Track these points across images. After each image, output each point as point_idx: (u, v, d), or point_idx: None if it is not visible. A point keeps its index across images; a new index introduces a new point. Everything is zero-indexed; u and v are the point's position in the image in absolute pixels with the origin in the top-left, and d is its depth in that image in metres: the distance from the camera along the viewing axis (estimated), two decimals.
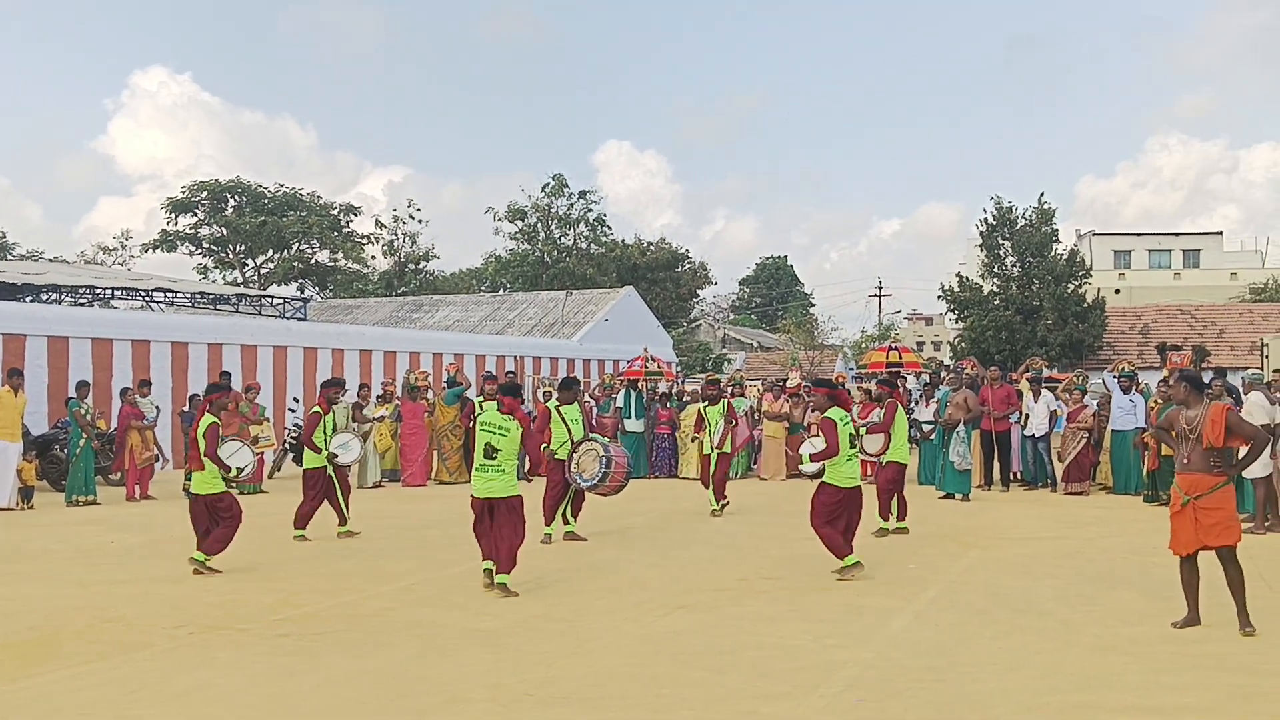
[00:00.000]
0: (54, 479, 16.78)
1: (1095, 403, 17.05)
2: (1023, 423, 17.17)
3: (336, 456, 12.05)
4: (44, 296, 30.27)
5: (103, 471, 16.83)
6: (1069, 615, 8.04)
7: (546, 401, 13.54)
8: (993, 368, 18.98)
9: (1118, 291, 48.89)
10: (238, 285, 51.91)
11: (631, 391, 20.35)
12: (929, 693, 6.02)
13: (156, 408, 17.16)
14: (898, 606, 8.32)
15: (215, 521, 9.92)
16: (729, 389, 20.73)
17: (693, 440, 19.29)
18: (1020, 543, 11.75)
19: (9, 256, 54.71)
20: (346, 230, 58.59)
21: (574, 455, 11.49)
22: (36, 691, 6.10)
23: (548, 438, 11.87)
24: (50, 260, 53.02)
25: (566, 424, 11.81)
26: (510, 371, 26.37)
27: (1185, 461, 7.58)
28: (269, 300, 33.86)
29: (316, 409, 12.08)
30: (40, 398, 18.28)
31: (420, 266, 59.00)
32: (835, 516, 9.63)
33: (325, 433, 12.03)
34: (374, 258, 59.02)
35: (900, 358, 19.24)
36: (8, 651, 6.99)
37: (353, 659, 6.79)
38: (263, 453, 17.40)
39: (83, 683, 6.29)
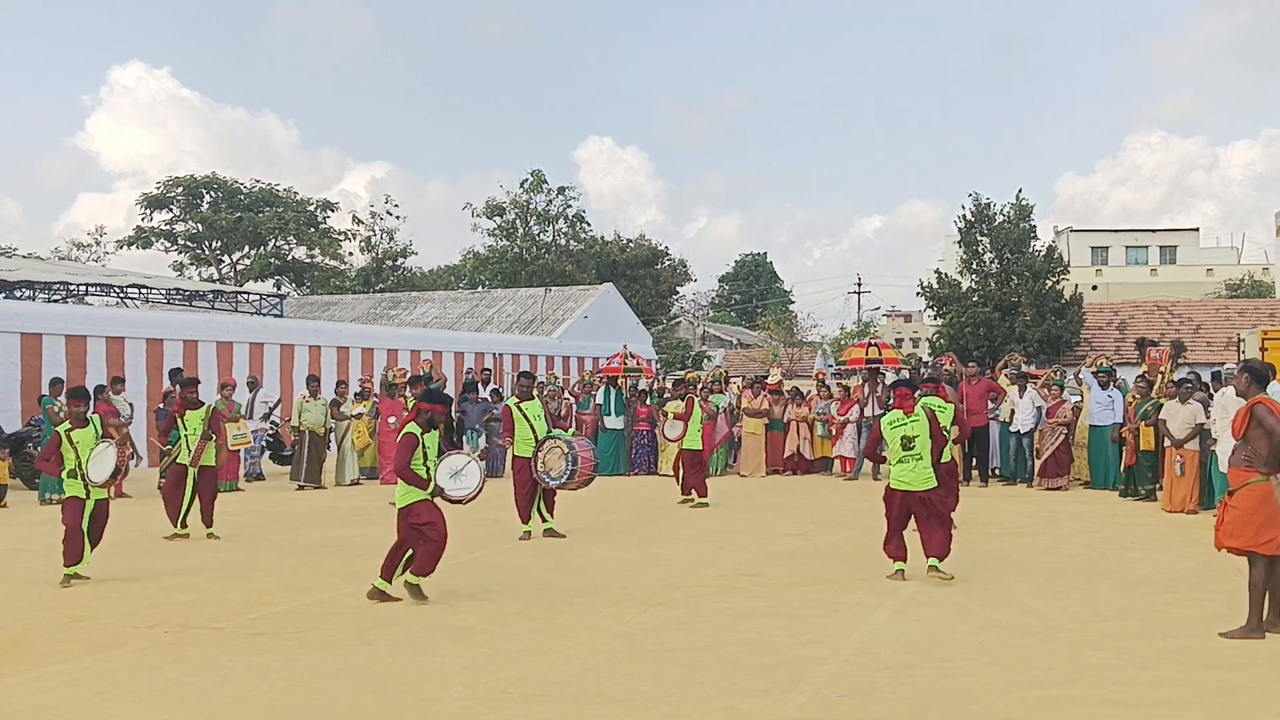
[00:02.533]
0: (27, 477, 16.59)
1: (1075, 398, 17.11)
2: (1008, 418, 17.21)
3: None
4: (17, 293, 29.97)
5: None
6: (1046, 610, 8.05)
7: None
8: (971, 364, 19.02)
9: (1095, 288, 49.19)
10: (214, 282, 51.55)
11: (611, 389, 20.29)
12: (909, 688, 6.00)
13: (131, 405, 17.00)
14: (876, 602, 8.30)
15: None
16: (711, 385, 20.73)
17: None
18: (998, 538, 11.76)
19: None
20: (323, 226, 58.30)
21: (539, 454, 11.42)
22: (6, 692, 6.01)
23: (511, 435, 11.80)
24: (24, 257, 52.48)
25: (529, 420, 11.71)
26: (487, 369, 26.25)
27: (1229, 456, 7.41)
28: (245, 297, 33.62)
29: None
30: (13, 395, 18.10)
31: (398, 263, 58.79)
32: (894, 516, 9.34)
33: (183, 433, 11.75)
34: (351, 254, 58.79)
35: (880, 353, 19.22)
36: None
37: (328, 657, 6.72)
38: (238, 449, 17.28)
39: (54, 683, 6.20)
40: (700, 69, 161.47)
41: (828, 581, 9.19)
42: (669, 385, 21.53)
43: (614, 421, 19.97)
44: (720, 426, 19.64)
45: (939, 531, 9.13)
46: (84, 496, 9.25)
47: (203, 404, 12.21)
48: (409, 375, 19.27)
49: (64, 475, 9.29)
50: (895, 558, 9.26)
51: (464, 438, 19.05)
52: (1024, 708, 5.67)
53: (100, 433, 9.55)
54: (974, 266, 35.62)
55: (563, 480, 11.26)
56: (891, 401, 16.91)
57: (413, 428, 8.54)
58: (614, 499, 14.63)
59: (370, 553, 10.75)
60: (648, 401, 20.43)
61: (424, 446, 8.57)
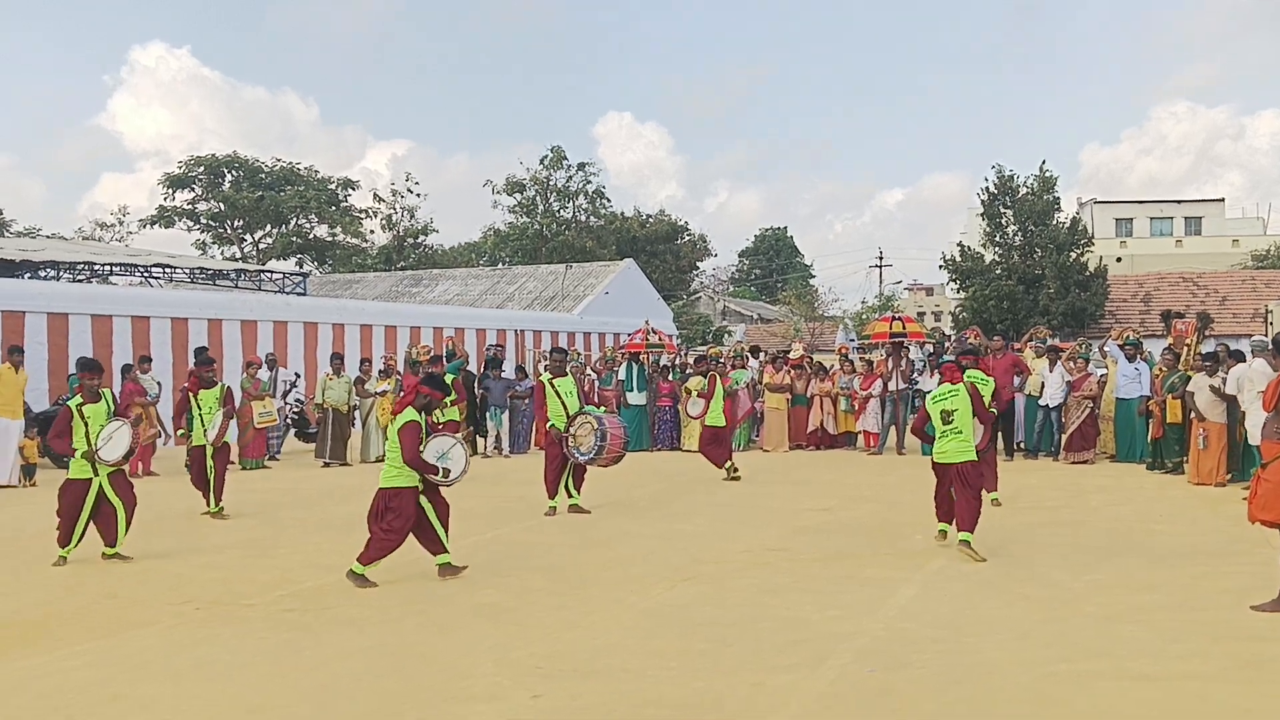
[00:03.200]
0: (55, 456, 16.70)
1: (1101, 371, 16.98)
2: (1036, 392, 17.11)
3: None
4: (42, 273, 30.18)
5: None
6: (1074, 584, 8.01)
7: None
8: (996, 337, 18.91)
9: (1119, 260, 48.69)
10: (236, 261, 51.76)
11: (633, 364, 20.29)
12: (938, 663, 5.99)
13: (158, 384, 17.11)
14: (904, 577, 8.28)
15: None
16: (732, 360, 20.70)
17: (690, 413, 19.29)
18: (1025, 511, 11.70)
19: (6, 234, 54.56)
20: (344, 205, 58.41)
21: (570, 429, 11.44)
22: (39, 670, 6.07)
23: (544, 412, 11.85)
24: (48, 237, 52.83)
25: (560, 397, 11.74)
26: (497, 346, 26.29)
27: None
28: (268, 275, 33.73)
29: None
30: (40, 374, 18.22)
31: (419, 241, 58.84)
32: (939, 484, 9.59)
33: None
34: (372, 232, 58.91)
35: (904, 327, 19.11)
36: (9, 630, 6.97)
37: (356, 634, 6.76)
38: (264, 427, 17.40)
39: (85, 660, 6.26)
40: (720, 41, 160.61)
41: (853, 556, 9.18)
42: (690, 361, 21.52)
43: (636, 397, 19.97)
44: (743, 401, 19.61)
45: (970, 503, 9.15)
46: (90, 477, 9.05)
47: (216, 383, 12.01)
48: (432, 353, 19.35)
49: (78, 454, 9.01)
50: (941, 519, 9.62)
51: (487, 414, 19.13)
52: (1053, 681, 5.66)
53: (112, 409, 9.32)
54: (997, 239, 35.35)
55: (591, 456, 11.28)
56: (915, 375, 16.85)
57: (412, 413, 8.35)
58: (638, 475, 14.64)
59: None
60: (670, 377, 20.42)
61: (83, 419, 8.74)
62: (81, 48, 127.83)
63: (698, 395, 15.66)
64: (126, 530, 9.29)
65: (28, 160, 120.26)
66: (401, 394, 17.59)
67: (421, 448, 8.29)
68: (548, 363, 12.37)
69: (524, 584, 8.18)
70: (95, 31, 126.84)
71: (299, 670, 6.02)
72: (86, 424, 9.05)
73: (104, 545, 9.21)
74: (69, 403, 9.27)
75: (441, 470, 8.32)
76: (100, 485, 9.12)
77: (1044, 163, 38.09)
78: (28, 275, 29.65)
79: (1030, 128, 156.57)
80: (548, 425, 11.79)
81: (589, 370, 21.37)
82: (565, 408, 11.66)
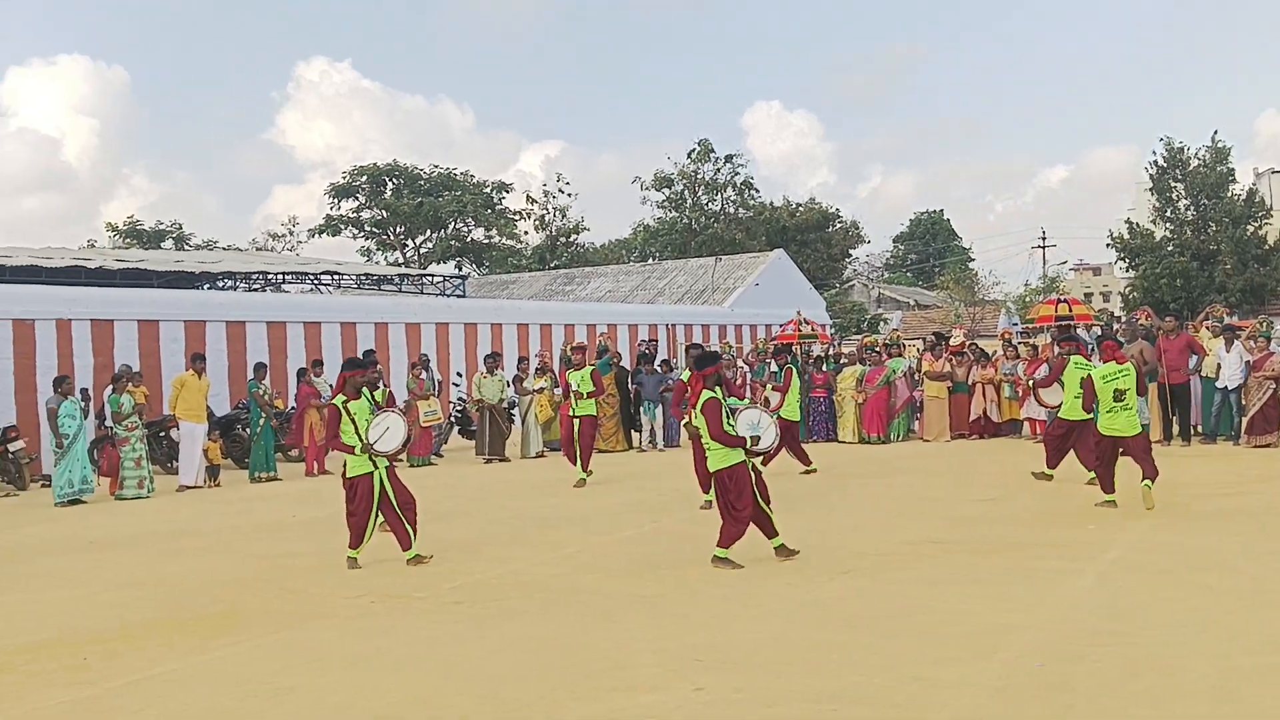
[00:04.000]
0: (237, 457, 17.64)
1: None
2: (1213, 373, 16.30)
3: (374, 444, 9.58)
4: (221, 283, 31.85)
5: (282, 449, 17.61)
6: (1260, 573, 7.61)
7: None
8: (1169, 317, 18.07)
9: None
10: (399, 266, 53.56)
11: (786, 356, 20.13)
12: (1114, 656, 5.77)
13: (331, 386, 17.85)
14: (1076, 568, 8.00)
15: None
16: (888, 348, 20.34)
17: (854, 401, 19.05)
18: (1205, 499, 11.17)
19: (187, 247, 57.75)
20: (499, 208, 59.75)
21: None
22: (226, 660, 6.42)
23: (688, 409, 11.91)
24: (225, 249, 55.75)
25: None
26: (653, 340, 26.42)
27: None
28: (429, 279, 34.80)
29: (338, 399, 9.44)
30: (221, 380, 19.23)
31: (571, 240, 59.72)
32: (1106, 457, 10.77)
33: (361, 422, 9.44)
34: (526, 233, 60.06)
35: (1070, 310, 18.41)
36: (199, 622, 7.38)
37: (522, 626, 6.92)
38: (429, 426, 17.96)
39: (269, 651, 6.59)
40: (867, 22, 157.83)
41: (1020, 548, 8.92)
42: (851, 350, 21.24)
43: None
44: (900, 390, 19.26)
45: (1149, 462, 10.47)
46: (370, 471, 9.06)
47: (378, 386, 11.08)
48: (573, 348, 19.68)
49: (356, 451, 9.01)
50: (1108, 490, 10.69)
51: (641, 409, 19.29)
52: (1237, 675, 5.39)
53: (374, 403, 9.37)
54: (1168, 214, 33.87)
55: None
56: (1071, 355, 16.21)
57: (338, 399, 9.11)
58: (792, 467, 14.54)
59: (557, 523, 11.05)
60: (824, 368, 20.20)
61: (350, 415, 9.03)
62: (249, 66, 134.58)
63: (773, 389, 15.50)
64: (415, 530, 9.21)
65: (204, 176, 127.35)
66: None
67: (361, 427, 9.03)
68: (689, 359, 12.55)
69: (682, 576, 8.23)
70: (261, 50, 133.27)
71: (465, 661, 6.21)
72: (354, 420, 9.13)
73: (402, 550, 9.13)
74: (335, 401, 9.30)
75: (362, 444, 8.99)
76: (381, 479, 9.13)
77: (1216, 132, 36.12)
78: (207, 286, 31.37)
79: (1201, 96, 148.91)
80: (683, 422, 12.04)
81: (740, 363, 21.31)
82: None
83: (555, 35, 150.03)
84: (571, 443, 14.38)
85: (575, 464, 14.20)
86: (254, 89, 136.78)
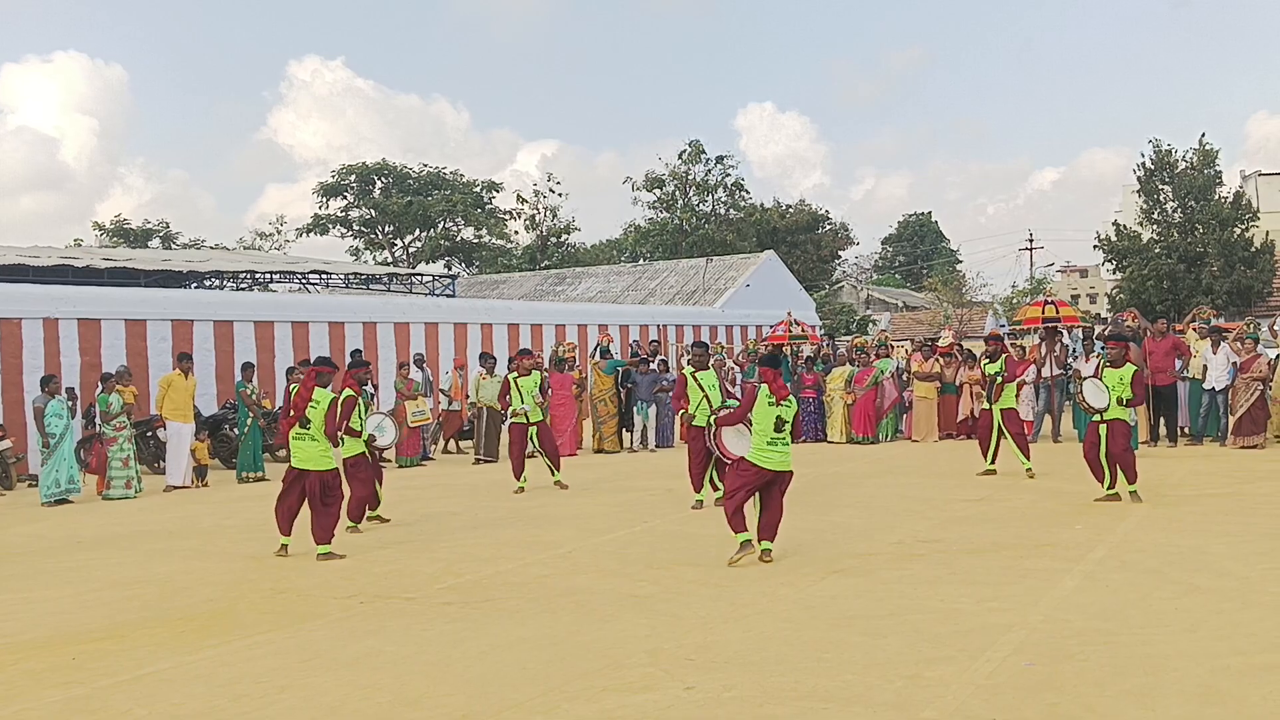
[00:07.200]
0: (224, 457, 17.59)
1: (1272, 352, 16.16)
2: (1199, 375, 16.39)
3: (374, 439, 11.22)
4: (208, 282, 31.75)
5: (270, 449, 17.57)
6: (1248, 573, 7.66)
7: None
8: (1159, 320, 18.17)
9: None
10: (388, 265, 53.47)
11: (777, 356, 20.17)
12: (1103, 655, 5.81)
13: None
14: (1064, 568, 8.04)
15: (323, 500, 9.62)
16: (876, 349, 20.39)
17: (844, 402, 19.09)
18: (1192, 500, 11.24)
19: (174, 245, 57.58)
20: (490, 207, 59.69)
21: (712, 423, 11.44)
22: (218, 660, 6.40)
23: (685, 403, 11.94)
24: (212, 248, 55.59)
25: (703, 389, 11.80)
26: (655, 341, 26.42)
27: None
28: (419, 278, 34.74)
29: (349, 392, 10.38)
30: (208, 380, 19.16)
31: (561, 239, 59.70)
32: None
33: (360, 415, 10.85)
34: (516, 233, 60.02)
35: (1057, 311, 18.50)
36: (189, 623, 7.36)
37: (515, 625, 6.93)
38: (419, 426, 17.94)
39: (260, 651, 6.58)
40: (862, 25, 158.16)
41: (1010, 547, 8.96)
42: (841, 351, 21.28)
43: None
44: (888, 391, 19.32)
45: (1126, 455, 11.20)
46: (362, 451, 10.92)
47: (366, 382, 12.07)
48: (574, 349, 19.66)
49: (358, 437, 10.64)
50: (1099, 478, 11.31)
51: (634, 408, 19.30)
52: (1226, 675, 5.42)
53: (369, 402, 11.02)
54: (1155, 216, 33.97)
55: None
56: (1070, 360, 16.39)
57: (346, 392, 10.22)
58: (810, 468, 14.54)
59: (548, 523, 11.05)
60: (814, 369, 20.25)
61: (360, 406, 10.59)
62: (242, 64, 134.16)
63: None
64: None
65: (199, 175, 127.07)
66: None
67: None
68: (690, 356, 12.47)
69: (676, 576, 8.24)
70: (255, 48, 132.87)
71: (459, 661, 6.21)
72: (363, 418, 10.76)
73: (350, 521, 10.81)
74: (349, 393, 10.33)
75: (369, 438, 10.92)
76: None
77: (1203, 135, 36.32)
78: (194, 285, 31.27)
79: (1193, 98, 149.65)
80: (684, 416, 11.98)
81: (731, 363, 21.35)
82: (708, 400, 11.71)
83: (551, 34, 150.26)
84: (523, 449, 13.76)
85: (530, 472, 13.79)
86: (248, 87, 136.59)
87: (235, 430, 17.09)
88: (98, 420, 15.03)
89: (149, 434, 16.97)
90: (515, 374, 13.92)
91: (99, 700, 5.72)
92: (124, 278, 26.21)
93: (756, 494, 8.80)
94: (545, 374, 19.42)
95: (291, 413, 9.81)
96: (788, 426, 8.76)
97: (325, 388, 9.91)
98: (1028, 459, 13.48)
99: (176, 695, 5.74)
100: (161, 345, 18.91)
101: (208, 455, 16.24)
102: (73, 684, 6.00)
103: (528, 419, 13.76)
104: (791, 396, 8.92)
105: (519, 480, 13.60)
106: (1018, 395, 18.20)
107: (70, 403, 14.82)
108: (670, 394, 18.94)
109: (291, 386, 16.35)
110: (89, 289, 20.70)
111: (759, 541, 8.69)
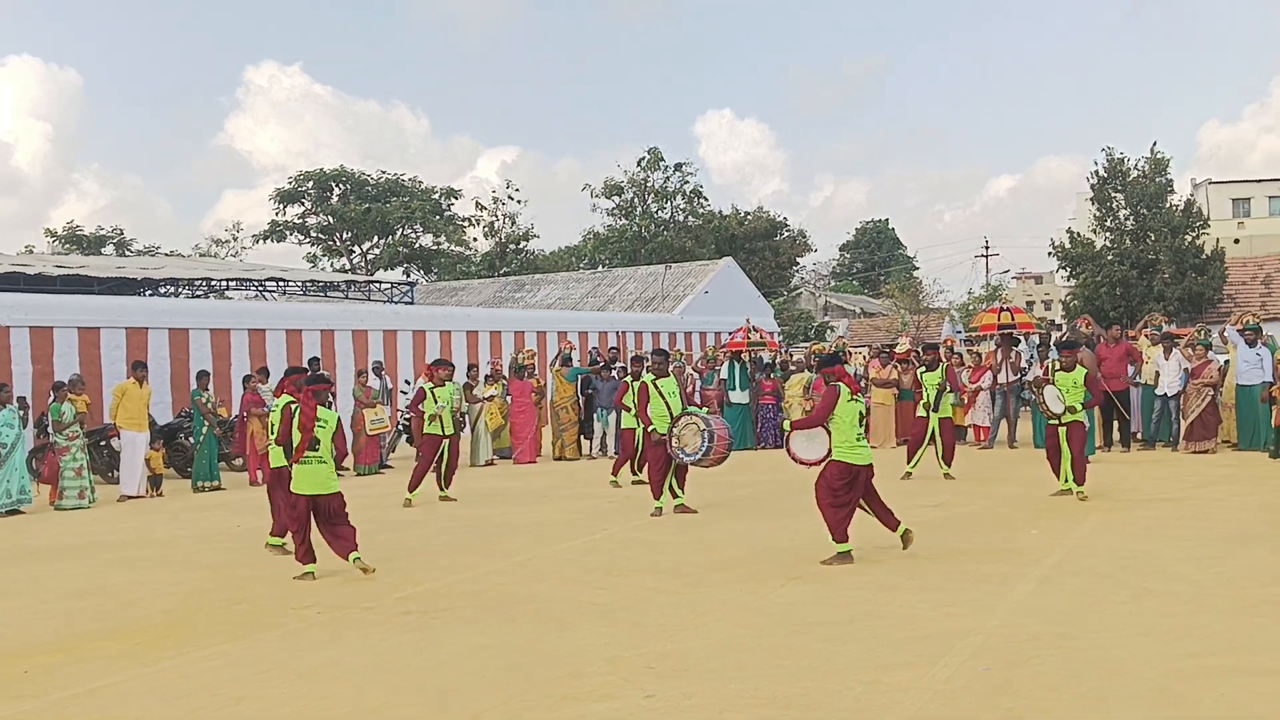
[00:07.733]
0: (180, 466, 17.38)
1: (1222, 358, 16.44)
2: (1151, 381, 16.65)
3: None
4: (163, 290, 31.38)
5: (226, 458, 17.38)
6: (1199, 577, 7.79)
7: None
8: (1114, 326, 18.43)
9: (1237, 241, 46.84)
10: (346, 272, 53.10)
11: (735, 363, 20.25)
12: (1059, 659, 5.88)
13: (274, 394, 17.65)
14: (1020, 573, 8.13)
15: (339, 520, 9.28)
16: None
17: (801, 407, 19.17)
18: (1144, 504, 11.40)
19: (128, 253, 56.84)
20: (448, 214, 59.44)
21: (674, 430, 11.48)
22: (174, 672, 6.33)
23: (646, 412, 11.95)
24: (167, 255, 54.93)
25: (664, 397, 11.83)
26: (614, 348, 26.42)
27: None
28: (377, 285, 34.53)
29: (288, 398, 9.88)
30: (164, 388, 18.94)
31: (520, 246, 59.54)
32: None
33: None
34: (475, 240, 59.80)
35: (1013, 318, 18.72)
36: (145, 634, 7.27)
37: (474, 635, 6.90)
38: (377, 434, 17.81)
39: (218, 662, 6.51)
40: (821, 33, 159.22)
41: (967, 553, 9.05)
42: (799, 358, 21.38)
43: (739, 396, 19.93)
44: None
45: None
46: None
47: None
48: (535, 356, 19.60)
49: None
50: (1057, 473, 11.92)
51: (594, 415, 19.28)
52: (1179, 678, 5.51)
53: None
54: (1108, 224, 34.39)
55: (697, 456, 11.30)
56: (1025, 366, 16.61)
57: (289, 398, 9.58)
58: (742, 473, 14.63)
59: (508, 531, 11.02)
60: (772, 375, 20.34)
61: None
62: (198, 71, 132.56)
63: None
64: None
65: (154, 181, 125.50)
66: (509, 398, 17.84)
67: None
68: (648, 364, 12.47)
69: (636, 583, 8.25)
70: (211, 53, 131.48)
71: (418, 671, 6.18)
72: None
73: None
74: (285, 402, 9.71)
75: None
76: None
77: (1155, 144, 36.91)
78: (149, 292, 30.88)
79: (1146, 106, 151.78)
80: (649, 429, 11.92)
81: (690, 370, 21.41)
82: (669, 408, 11.73)
83: (511, 41, 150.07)
84: (431, 463, 13.57)
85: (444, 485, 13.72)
86: (204, 93, 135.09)
87: (191, 439, 16.89)
88: (50, 430, 14.80)
89: (102, 443, 16.72)
90: (430, 384, 13.59)
91: (51, 714, 5.63)
92: (77, 285, 25.85)
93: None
94: (505, 380, 19.47)
95: (300, 434, 9.06)
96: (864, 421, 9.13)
97: (328, 406, 9.43)
98: (949, 465, 14.27)
99: (132, 708, 5.67)
100: (115, 353, 18.67)
101: (163, 465, 16.03)
102: (24, 698, 5.90)
103: (443, 431, 13.40)
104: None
105: (410, 493, 13.31)
106: (973, 402, 18.50)
107: (22, 412, 14.60)
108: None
109: (277, 402, 16.24)
110: (41, 296, 20.42)
111: (899, 527, 8.91)
